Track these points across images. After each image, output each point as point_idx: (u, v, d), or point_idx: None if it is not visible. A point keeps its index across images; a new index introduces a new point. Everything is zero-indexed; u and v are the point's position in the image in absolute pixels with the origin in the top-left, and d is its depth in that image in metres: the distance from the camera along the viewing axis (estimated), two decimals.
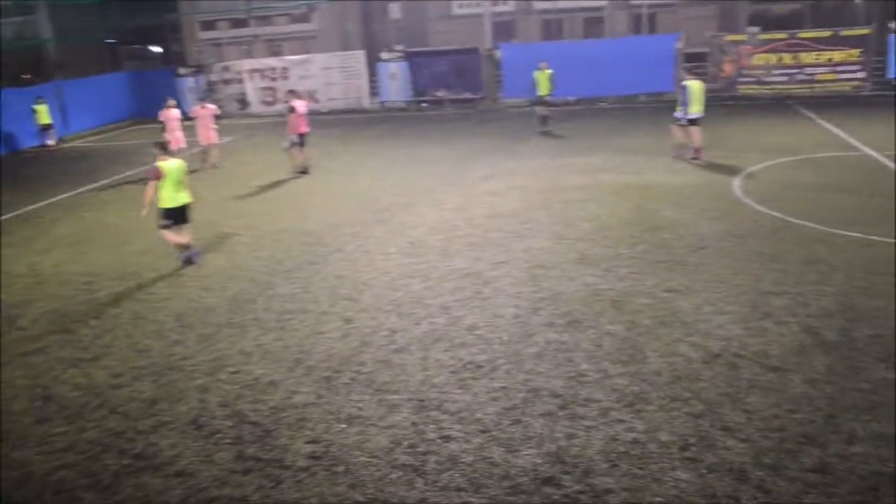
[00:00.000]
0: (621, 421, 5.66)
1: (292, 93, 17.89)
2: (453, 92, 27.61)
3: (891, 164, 14.22)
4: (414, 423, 5.83)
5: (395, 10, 44.82)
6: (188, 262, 10.25)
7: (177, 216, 10.15)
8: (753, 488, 4.80)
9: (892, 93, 24.94)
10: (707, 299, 7.93)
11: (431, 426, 5.78)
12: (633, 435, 5.47)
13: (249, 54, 38.20)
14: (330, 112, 27.73)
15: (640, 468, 5.08)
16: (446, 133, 21.46)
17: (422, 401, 6.18)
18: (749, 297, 7.96)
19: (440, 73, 27.61)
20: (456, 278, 9.00)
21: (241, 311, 8.44)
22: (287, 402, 6.29)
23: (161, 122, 17.45)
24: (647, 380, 6.26)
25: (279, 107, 25.62)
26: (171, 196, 10.03)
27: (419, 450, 5.47)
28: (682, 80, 16.03)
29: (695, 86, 15.54)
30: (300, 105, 16.49)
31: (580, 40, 38.91)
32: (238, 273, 9.81)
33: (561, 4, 43.22)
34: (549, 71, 19.78)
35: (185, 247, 10.31)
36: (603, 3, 44.34)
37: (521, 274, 9.02)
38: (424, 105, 27.75)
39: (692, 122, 15.54)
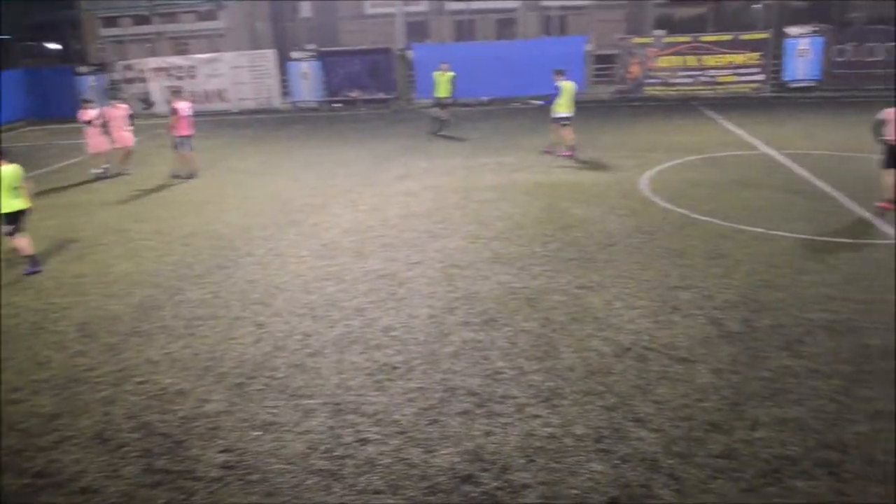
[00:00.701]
0: (537, 416, 5.73)
1: (176, 93, 17.25)
2: (366, 92, 27.47)
3: (788, 162, 14.96)
4: (330, 428, 5.75)
5: (305, 9, 44.28)
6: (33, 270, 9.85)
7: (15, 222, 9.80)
8: (665, 476, 4.94)
9: (789, 94, 26.35)
10: (617, 295, 8.13)
11: (348, 430, 5.70)
12: (549, 430, 5.54)
13: (153, 52, 36.93)
14: (241, 112, 27.15)
15: (557, 462, 5.15)
16: (360, 133, 21.32)
17: (338, 404, 6.09)
18: (657, 291, 8.21)
19: (353, 72, 27.41)
20: (370, 280, 8.94)
21: (147, 319, 8.13)
22: (198, 412, 6.09)
23: (98, 122, 16.40)
24: (561, 375, 6.36)
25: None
26: (6, 202, 9.65)
27: (336, 454, 5.39)
28: (556, 82, 16.22)
29: (567, 86, 16.07)
30: (184, 106, 16.00)
31: (493, 41, 39.36)
32: (145, 279, 9.45)
33: (473, 5, 43.60)
34: (451, 73, 19.57)
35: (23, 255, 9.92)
36: (515, 4, 45.00)
37: (436, 274, 9.03)
38: (337, 105, 27.50)
39: (559, 120, 16.17)
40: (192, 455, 5.48)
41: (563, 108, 16.18)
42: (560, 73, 16.45)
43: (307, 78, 27.17)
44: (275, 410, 6.03)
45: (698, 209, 11.46)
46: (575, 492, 4.85)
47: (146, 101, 28.07)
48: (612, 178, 14.08)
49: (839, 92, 26.56)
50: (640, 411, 5.74)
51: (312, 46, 28.29)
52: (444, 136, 19.56)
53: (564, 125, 16.26)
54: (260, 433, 5.71)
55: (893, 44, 26.44)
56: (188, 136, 15.97)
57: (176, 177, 15.90)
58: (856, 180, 13.12)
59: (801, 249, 9.49)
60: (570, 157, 16.16)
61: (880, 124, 11.20)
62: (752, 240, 9.92)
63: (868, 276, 8.47)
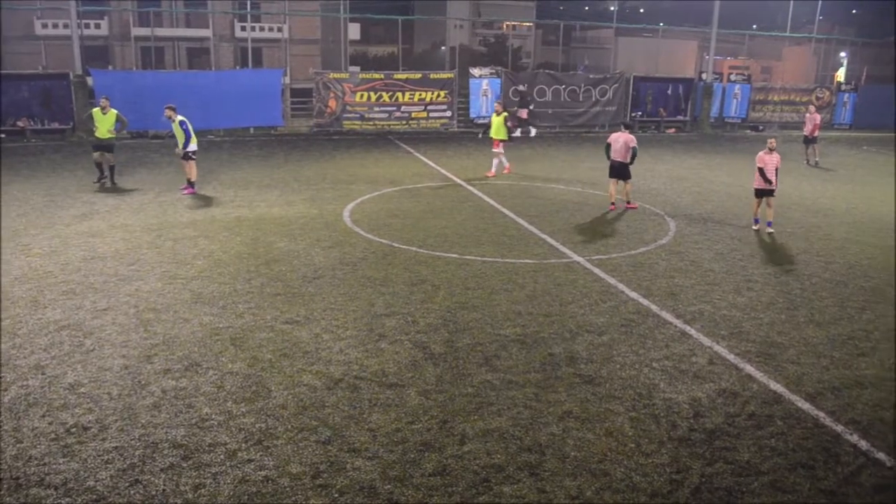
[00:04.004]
0: (250, 461, 5.46)
1: None
2: (39, 121, 24.73)
3: (477, 192, 16.24)
4: None
5: None
6: None
7: None
8: (383, 502, 4.96)
9: (475, 129, 28.83)
10: (325, 327, 8.11)
11: None
12: (263, 473, 5.30)
13: None
14: None
15: None
16: (32, 168, 19.01)
17: (17, 479, 5.24)
18: (364, 320, 8.34)
19: (21, 99, 24.63)
20: (51, 332, 7.91)
21: None
22: None
23: None
24: (273, 414, 6.14)
25: None
26: None
27: None
28: (176, 119, 15.55)
29: (188, 120, 15.69)
30: None
31: (186, 70, 37.79)
32: None
33: (161, 32, 41.57)
34: (114, 111, 16.59)
35: None
36: (207, 33, 43.70)
37: (129, 320, 8.27)
38: (2, 136, 24.34)
39: (190, 154, 15.71)
40: None
41: (194, 141, 15.71)
42: (174, 108, 15.70)
43: None
44: None
45: (398, 238, 11.94)
46: None
47: None
48: (315, 210, 14.14)
49: (516, 127, 29.65)
50: (355, 441, 5.73)
51: None
52: (140, 168, 18.10)
53: (192, 159, 15.76)
54: None
55: (560, 87, 30.28)
56: None
57: None
58: (534, 207, 14.72)
59: (492, 271, 10.30)
60: (193, 192, 15.72)
61: (608, 146, 14.70)
62: (448, 265, 10.56)
63: (549, 291, 9.47)
